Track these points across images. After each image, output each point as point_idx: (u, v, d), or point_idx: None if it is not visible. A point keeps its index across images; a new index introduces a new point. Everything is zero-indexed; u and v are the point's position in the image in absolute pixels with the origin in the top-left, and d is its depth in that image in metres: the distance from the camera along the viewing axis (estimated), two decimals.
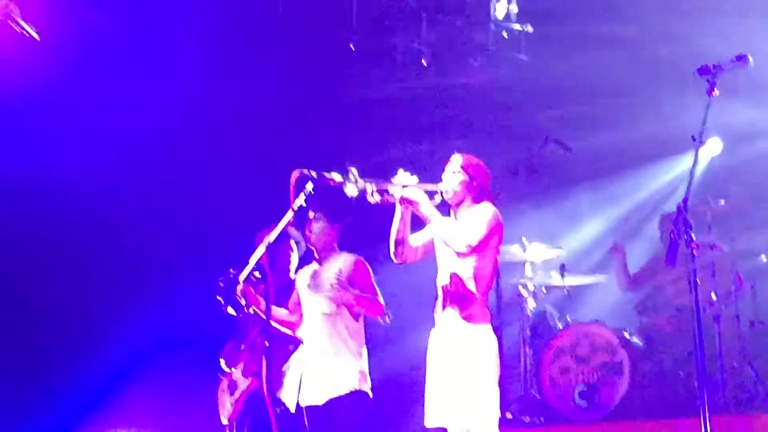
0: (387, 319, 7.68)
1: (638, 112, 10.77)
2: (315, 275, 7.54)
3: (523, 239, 9.63)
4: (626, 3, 10.31)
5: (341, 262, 7.45)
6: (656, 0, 10.32)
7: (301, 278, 7.65)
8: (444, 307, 6.41)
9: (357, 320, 7.40)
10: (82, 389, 9.92)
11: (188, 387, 9.68)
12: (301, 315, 7.56)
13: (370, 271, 7.48)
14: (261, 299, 7.10)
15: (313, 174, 6.12)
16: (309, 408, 7.33)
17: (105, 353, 9.95)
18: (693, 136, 5.76)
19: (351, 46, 10.86)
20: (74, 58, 9.69)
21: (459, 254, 6.32)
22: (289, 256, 8.13)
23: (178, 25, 10.04)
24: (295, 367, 7.51)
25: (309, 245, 7.62)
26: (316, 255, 7.63)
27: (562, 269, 9.75)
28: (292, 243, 8.08)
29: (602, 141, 10.93)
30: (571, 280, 9.86)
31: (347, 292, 7.28)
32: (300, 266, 7.96)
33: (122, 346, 9.89)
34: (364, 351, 7.42)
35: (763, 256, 9.36)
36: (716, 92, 5.83)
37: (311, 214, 7.45)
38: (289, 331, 7.55)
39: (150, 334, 9.88)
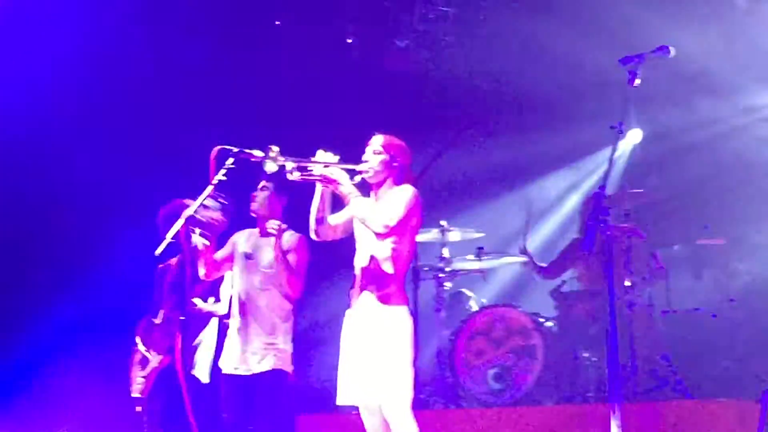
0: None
1: (563, 103, 10.85)
2: (256, 248, 7.43)
3: (442, 222, 9.66)
4: None
5: (285, 238, 7.30)
6: None
7: (241, 244, 7.51)
8: (361, 287, 6.40)
9: (290, 301, 7.37)
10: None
11: (105, 366, 9.59)
12: (221, 264, 7.48)
13: (308, 253, 7.40)
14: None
15: (234, 150, 6.10)
16: (228, 378, 7.29)
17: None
18: (612, 126, 5.85)
19: (276, 23, 10.80)
20: None
21: (377, 235, 6.32)
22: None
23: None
24: (210, 339, 7.41)
25: (252, 213, 7.50)
26: (257, 224, 7.50)
27: (479, 252, 9.81)
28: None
29: (527, 126, 11.02)
30: (488, 263, 9.93)
31: (284, 270, 7.21)
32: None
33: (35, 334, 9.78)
34: (291, 331, 7.38)
35: (676, 246, 9.50)
36: (637, 82, 5.93)
37: (262, 183, 7.35)
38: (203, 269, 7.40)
39: (63, 317, 9.79)
